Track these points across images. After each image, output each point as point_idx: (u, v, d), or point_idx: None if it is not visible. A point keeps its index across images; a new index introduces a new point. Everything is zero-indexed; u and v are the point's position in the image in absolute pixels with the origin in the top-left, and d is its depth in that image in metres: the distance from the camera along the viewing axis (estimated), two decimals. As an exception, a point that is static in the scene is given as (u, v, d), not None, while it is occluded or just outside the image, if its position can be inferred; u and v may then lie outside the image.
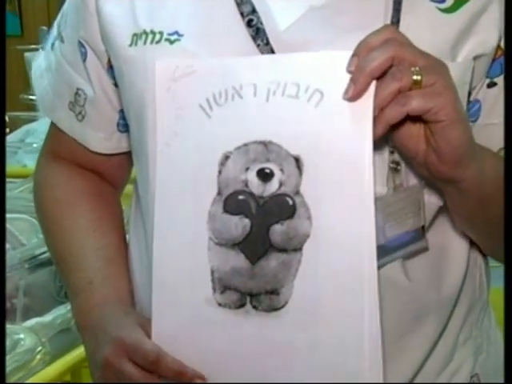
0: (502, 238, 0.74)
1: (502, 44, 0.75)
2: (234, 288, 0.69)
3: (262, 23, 0.73)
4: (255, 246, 0.68)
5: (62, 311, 1.16)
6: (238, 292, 0.68)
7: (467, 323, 0.81)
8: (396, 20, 0.72)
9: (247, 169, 0.69)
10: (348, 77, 0.64)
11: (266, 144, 0.68)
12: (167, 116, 0.71)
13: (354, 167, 0.66)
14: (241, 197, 0.69)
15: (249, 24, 0.73)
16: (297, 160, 0.68)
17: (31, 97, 2.30)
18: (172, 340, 0.69)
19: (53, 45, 0.88)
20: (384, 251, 0.71)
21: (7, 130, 2.14)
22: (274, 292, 0.68)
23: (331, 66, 0.67)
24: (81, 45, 0.83)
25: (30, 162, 1.96)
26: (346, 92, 0.63)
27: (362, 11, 0.73)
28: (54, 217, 0.90)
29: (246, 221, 0.69)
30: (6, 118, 2.16)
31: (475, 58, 0.74)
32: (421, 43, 0.67)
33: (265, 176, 0.68)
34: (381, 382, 0.65)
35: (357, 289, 0.66)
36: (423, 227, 0.74)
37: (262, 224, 0.68)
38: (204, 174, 0.70)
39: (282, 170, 0.68)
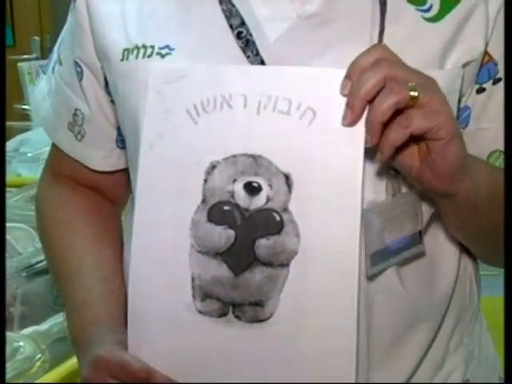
0: (496, 244, 0.76)
1: (489, 49, 0.75)
2: (215, 297, 0.69)
3: (251, 35, 0.73)
4: (239, 257, 0.68)
5: (59, 320, 1.17)
6: (219, 301, 0.69)
7: (458, 330, 0.81)
8: (381, 31, 0.73)
9: (234, 180, 0.69)
10: (341, 98, 0.64)
11: (255, 157, 0.68)
12: (154, 118, 0.71)
13: (346, 188, 0.67)
14: (226, 207, 0.69)
15: (238, 36, 0.74)
16: (287, 177, 0.68)
17: (24, 106, 2.33)
18: (148, 346, 0.70)
19: (53, 68, 0.90)
20: (383, 256, 0.72)
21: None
22: (258, 304, 0.68)
23: (324, 85, 0.67)
24: (77, 64, 0.85)
25: (25, 172, 1.99)
26: (344, 118, 0.64)
27: (349, 20, 0.74)
28: (52, 236, 0.91)
29: (231, 232, 0.69)
30: None
31: (464, 65, 0.74)
32: (407, 53, 0.68)
33: (252, 189, 0.68)
34: None
35: (341, 304, 0.66)
36: (420, 232, 0.74)
37: (246, 237, 0.68)
38: (188, 181, 0.70)
39: (270, 185, 0.68)
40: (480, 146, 0.77)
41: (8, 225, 1.23)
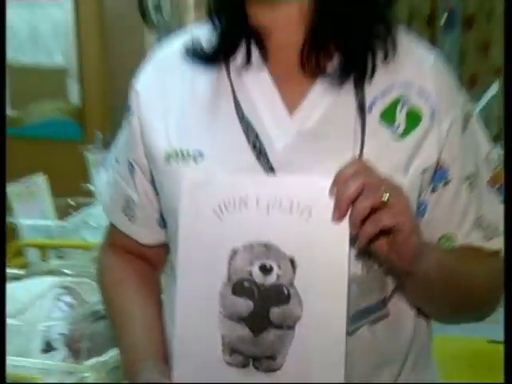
0: (445, 309, 0.84)
1: (442, 158, 0.80)
2: (239, 352, 0.73)
3: (263, 146, 0.79)
4: (257, 322, 0.73)
5: (115, 353, 1.17)
6: (242, 355, 0.73)
7: (415, 370, 0.85)
8: (361, 145, 0.77)
9: (251, 263, 0.73)
10: (330, 200, 0.70)
11: (267, 245, 0.73)
12: (188, 213, 0.75)
13: (336, 268, 0.72)
14: (246, 283, 0.73)
15: (254, 147, 0.79)
16: (291, 261, 0.72)
17: (89, 185, 2.38)
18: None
19: (111, 165, 0.96)
20: (358, 317, 0.78)
21: (72, 211, 2.22)
22: (272, 357, 0.73)
23: (317, 189, 0.72)
24: (130, 163, 0.90)
25: (90, 237, 2.02)
26: (334, 216, 0.69)
27: (338, 136, 0.79)
28: (109, 292, 0.96)
29: (250, 302, 0.73)
30: (72, 203, 2.26)
31: (422, 171, 0.79)
32: (380, 163, 0.73)
33: (265, 270, 0.73)
34: None
35: (332, 355, 0.72)
36: (385, 298, 0.80)
37: (262, 306, 0.73)
38: (216, 263, 0.74)
39: (279, 266, 0.72)
40: (433, 230, 0.82)
41: (78, 279, 1.30)
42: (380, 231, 0.68)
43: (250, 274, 0.73)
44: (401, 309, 0.83)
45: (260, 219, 0.73)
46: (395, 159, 0.78)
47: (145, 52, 3.42)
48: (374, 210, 0.67)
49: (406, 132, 0.79)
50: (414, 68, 0.82)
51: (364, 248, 0.71)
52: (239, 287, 0.73)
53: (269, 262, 0.73)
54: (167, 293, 0.92)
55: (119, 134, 0.95)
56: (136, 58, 3.54)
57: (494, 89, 2.54)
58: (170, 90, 0.86)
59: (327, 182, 0.71)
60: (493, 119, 3.42)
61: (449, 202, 0.82)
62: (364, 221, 0.68)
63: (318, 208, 0.72)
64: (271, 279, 0.73)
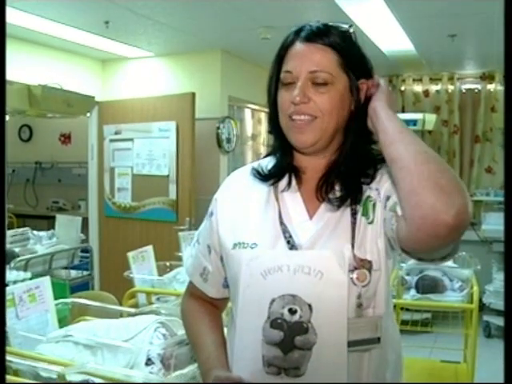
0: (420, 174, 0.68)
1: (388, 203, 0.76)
2: (274, 366, 0.74)
3: (294, 241, 0.79)
4: (286, 346, 0.73)
5: (193, 367, 1.13)
6: (276, 367, 0.74)
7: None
8: (353, 234, 0.76)
9: (283, 307, 0.74)
10: (335, 266, 0.72)
11: (294, 296, 0.74)
12: (245, 277, 0.77)
13: (338, 310, 0.72)
14: (279, 321, 0.74)
15: (288, 242, 0.79)
16: (309, 306, 0.73)
17: (179, 254, 2.32)
18: None
19: (194, 244, 0.95)
20: (351, 345, 0.75)
21: (168, 270, 2.15)
22: (297, 368, 0.73)
23: (327, 260, 0.74)
24: (208, 246, 0.90)
25: (179, 288, 1.98)
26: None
27: (339, 228, 0.78)
28: (190, 328, 0.94)
29: (281, 333, 0.74)
30: (168, 264, 2.19)
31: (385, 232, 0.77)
32: (366, 241, 0.75)
33: (292, 312, 0.73)
34: None
35: (338, 366, 0.72)
36: (379, 338, 0.77)
37: (290, 335, 0.73)
38: (261, 307, 0.75)
39: (301, 309, 0.73)
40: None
41: (169, 318, 1.24)
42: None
43: (282, 314, 0.73)
44: (388, 339, 0.79)
45: (290, 279, 0.74)
46: (372, 237, 0.78)
47: (219, 168, 3.56)
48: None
49: (373, 219, 0.79)
50: (378, 178, 0.82)
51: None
52: (275, 323, 0.74)
53: (294, 307, 0.73)
54: (229, 327, 0.90)
55: (202, 224, 0.93)
56: (213, 171, 3.71)
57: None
58: (237, 200, 0.86)
59: (333, 255, 0.73)
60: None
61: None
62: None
63: (328, 271, 0.73)
64: (295, 318, 0.73)
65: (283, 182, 0.84)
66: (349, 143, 0.82)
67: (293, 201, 0.83)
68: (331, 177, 0.82)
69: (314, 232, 0.79)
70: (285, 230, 0.80)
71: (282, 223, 0.80)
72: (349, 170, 0.81)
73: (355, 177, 0.81)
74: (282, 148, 0.85)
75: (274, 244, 0.79)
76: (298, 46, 0.79)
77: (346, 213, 0.80)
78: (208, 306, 0.93)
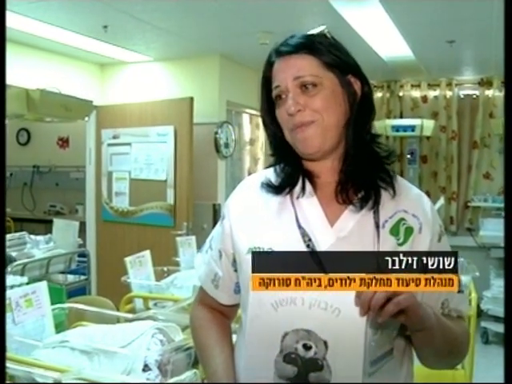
0: (439, 353, 0.79)
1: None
2: None
3: (313, 245, 0.77)
4: (300, 382, 0.72)
5: (190, 373, 1.15)
6: None
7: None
8: (378, 248, 0.75)
9: (297, 342, 0.71)
10: (353, 304, 0.69)
11: (308, 331, 0.71)
12: (253, 307, 0.75)
13: (355, 350, 0.69)
14: (293, 355, 0.72)
15: (307, 246, 0.77)
16: (325, 342, 0.70)
17: (177, 258, 2.31)
18: None
19: (206, 251, 0.93)
20: (375, 362, 0.74)
21: (165, 275, 2.15)
22: None
23: (345, 296, 0.68)
24: (219, 251, 0.89)
25: (176, 293, 1.98)
26: (360, 313, 0.68)
27: (361, 242, 0.77)
28: (197, 334, 0.93)
29: (295, 368, 0.71)
30: (165, 269, 2.19)
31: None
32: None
33: (306, 347, 0.71)
34: None
35: None
36: (392, 349, 0.77)
37: (304, 372, 0.71)
38: (273, 341, 0.72)
39: (316, 345, 0.70)
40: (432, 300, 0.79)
41: (166, 324, 1.24)
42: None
43: (296, 349, 0.71)
44: (401, 353, 0.80)
45: (304, 314, 0.71)
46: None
47: (217, 173, 3.56)
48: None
49: (404, 241, 0.79)
50: (410, 202, 0.83)
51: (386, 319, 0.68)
52: (288, 357, 0.72)
53: (309, 343, 0.71)
54: (238, 334, 0.90)
55: (214, 230, 0.93)
56: (211, 176, 3.70)
57: (441, 201, 2.58)
58: (251, 206, 0.85)
59: (352, 294, 0.69)
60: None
61: None
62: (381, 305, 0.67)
63: (345, 308, 0.70)
64: (310, 354, 0.71)
65: (297, 189, 0.84)
66: (351, 138, 0.82)
67: (310, 205, 0.82)
68: (348, 179, 0.82)
69: (335, 242, 0.78)
70: (304, 234, 0.78)
71: (300, 227, 0.79)
72: (361, 168, 0.82)
73: (369, 175, 0.82)
74: (291, 156, 0.85)
75: (292, 248, 0.78)
76: (279, 62, 0.82)
77: (367, 223, 0.79)
78: (217, 315, 0.93)
